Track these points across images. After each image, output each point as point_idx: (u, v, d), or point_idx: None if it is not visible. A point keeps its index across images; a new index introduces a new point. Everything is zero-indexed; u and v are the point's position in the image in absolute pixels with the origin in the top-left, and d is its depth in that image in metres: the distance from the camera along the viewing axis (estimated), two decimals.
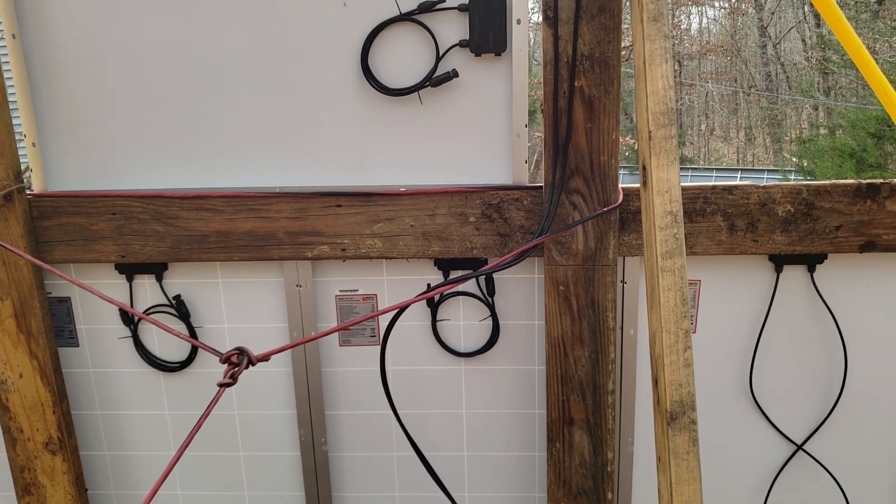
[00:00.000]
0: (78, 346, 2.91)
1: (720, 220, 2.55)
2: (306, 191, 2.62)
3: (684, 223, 2.54)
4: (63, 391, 2.86)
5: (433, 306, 2.78)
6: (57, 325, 2.87)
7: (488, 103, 2.55)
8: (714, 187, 2.54)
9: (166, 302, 2.81)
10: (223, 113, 2.63)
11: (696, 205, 2.54)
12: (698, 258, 2.63)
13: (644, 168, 1.98)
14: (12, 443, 2.83)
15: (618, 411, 2.81)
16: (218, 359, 1.96)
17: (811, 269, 2.64)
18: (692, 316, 2.73)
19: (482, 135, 2.59)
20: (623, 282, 2.68)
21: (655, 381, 1.87)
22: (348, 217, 2.62)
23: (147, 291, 2.82)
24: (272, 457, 2.99)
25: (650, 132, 1.92)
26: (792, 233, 2.55)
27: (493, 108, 2.56)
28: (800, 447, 2.81)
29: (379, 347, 2.72)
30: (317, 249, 2.66)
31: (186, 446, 1.73)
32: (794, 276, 2.67)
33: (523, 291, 2.76)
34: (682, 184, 2.29)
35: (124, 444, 3.02)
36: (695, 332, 2.73)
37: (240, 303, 2.82)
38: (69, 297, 2.86)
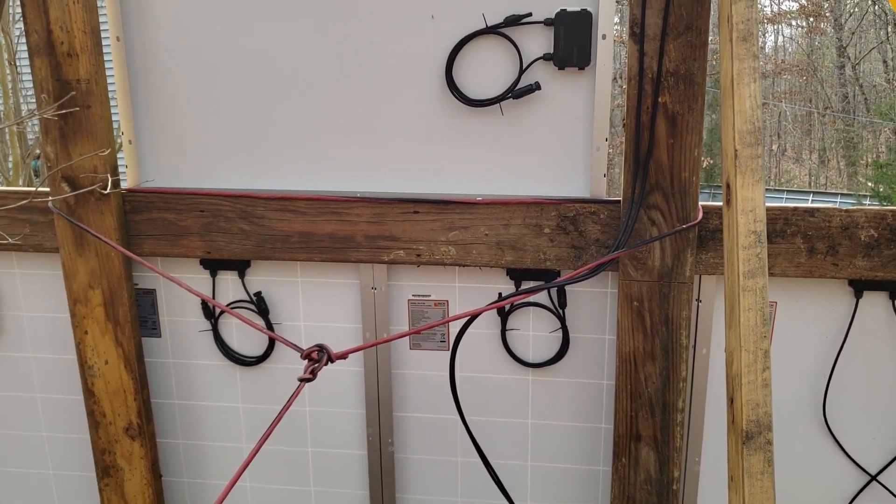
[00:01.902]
0: (160, 336, 3.03)
1: (800, 243, 2.52)
2: (385, 196, 2.69)
3: None
4: (144, 379, 2.98)
5: (503, 315, 2.81)
6: (141, 316, 3.00)
7: (569, 116, 2.58)
8: (795, 209, 2.52)
9: (247, 298, 2.90)
10: (309, 118, 2.71)
11: (777, 226, 2.51)
12: (776, 280, 2.60)
13: (728, 186, 1.98)
14: (95, 426, 2.96)
15: (686, 430, 2.79)
16: (298, 354, 2.03)
17: (893, 296, 2.59)
18: None
19: (561, 147, 2.61)
20: (698, 300, 2.66)
21: (731, 400, 1.86)
22: (425, 224, 2.67)
23: (229, 287, 2.93)
24: (339, 454, 3.05)
25: (736, 151, 1.92)
26: (874, 258, 2.50)
27: (574, 121, 2.58)
28: (874, 478, 2.74)
29: (448, 352, 2.77)
30: (393, 254, 2.72)
31: (265, 440, 1.79)
32: (874, 302, 2.61)
33: (595, 305, 2.77)
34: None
35: (199, 434, 3.13)
36: None
37: (317, 302, 2.90)
38: (154, 290, 2.98)
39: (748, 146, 1.91)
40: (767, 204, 2.41)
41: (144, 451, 2.99)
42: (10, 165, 11.27)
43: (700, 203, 2.50)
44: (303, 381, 2.02)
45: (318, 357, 2.09)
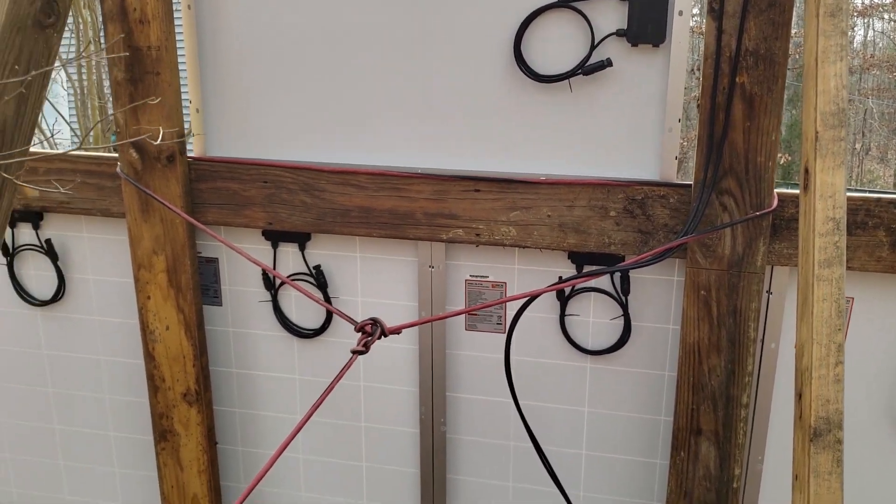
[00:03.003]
0: (221, 305, 3.06)
1: (882, 236, 2.38)
2: (447, 173, 2.64)
3: None
4: (204, 346, 3.01)
5: (563, 300, 2.74)
6: (204, 284, 3.03)
7: (641, 95, 2.48)
8: (878, 199, 2.37)
9: (307, 271, 2.90)
10: (372, 92, 2.68)
11: (857, 217, 2.37)
12: (854, 274, 2.45)
13: (807, 171, 1.87)
14: (154, 390, 3.02)
15: (750, 426, 2.68)
16: (353, 327, 2.01)
17: None
18: None
19: (631, 127, 2.52)
20: (769, 292, 2.54)
21: (800, 395, 1.76)
22: (485, 202, 2.62)
23: (289, 259, 2.93)
24: (391, 431, 3.04)
25: (817, 133, 1.80)
26: None
27: (646, 100, 2.48)
28: None
29: (504, 335, 2.71)
30: (452, 232, 2.67)
31: (315, 410, 1.78)
32: None
33: (660, 293, 2.68)
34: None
35: (255, 404, 3.16)
36: None
37: (374, 278, 2.88)
38: (217, 259, 3.01)
39: (830, 128, 1.80)
40: (848, 194, 2.28)
41: (201, 417, 3.03)
42: (91, 139, 11.64)
43: (775, 190, 2.38)
44: (355, 353, 2.01)
45: (371, 330, 2.08)
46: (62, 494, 3.48)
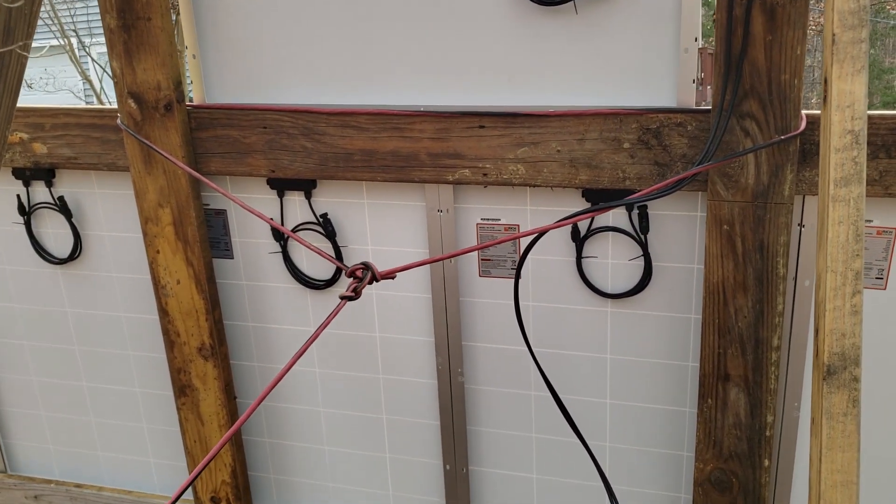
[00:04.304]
0: (233, 258, 2.99)
1: None
2: (449, 110, 2.49)
3: (882, 158, 2.17)
4: (216, 300, 2.96)
5: (579, 241, 2.58)
6: (213, 237, 2.97)
7: (653, 13, 2.27)
8: None
9: (314, 220, 2.80)
10: (367, 29, 2.54)
11: None
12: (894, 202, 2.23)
13: (825, 81, 1.66)
14: (170, 345, 2.99)
15: (783, 371, 2.48)
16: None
17: None
18: (884, 270, 2.34)
19: (643, 49, 2.32)
20: (801, 225, 2.33)
21: (816, 331, 1.58)
22: (491, 139, 2.46)
23: (297, 208, 2.84)
24: (409, 382, 2.95)
25: (834, 35, 1.59)
26: None
27: (659, 18, 2.27)
28: None
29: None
30: (458, 173, 2.53)
31: (299, 357, 1.69)
32: None
33: (682, 230, 2.49)
34: (884, 112, 1.93)
35: (273, 357, 3.10)
36: (884, 289, 2.34)
37: (383, 225, 2.77)
38: (225, 210, 2.94)
39: (849, 29, 1.58)
40: (887, 112, 2.05)
41: (218, 371, 2.99)
42: None
43: (803, 112, 2.16)
44: (344, 299, 1.92)
45: (361, 275, 1.98)
46: (95, 451, 3.52)
